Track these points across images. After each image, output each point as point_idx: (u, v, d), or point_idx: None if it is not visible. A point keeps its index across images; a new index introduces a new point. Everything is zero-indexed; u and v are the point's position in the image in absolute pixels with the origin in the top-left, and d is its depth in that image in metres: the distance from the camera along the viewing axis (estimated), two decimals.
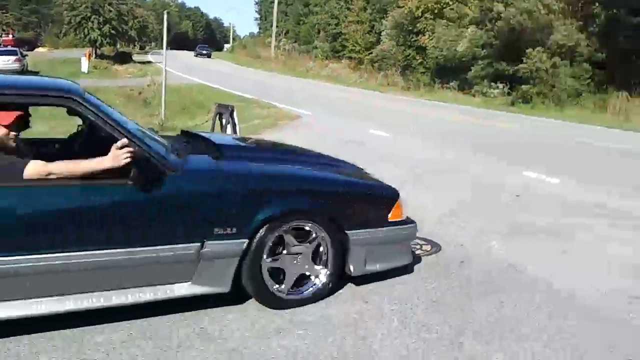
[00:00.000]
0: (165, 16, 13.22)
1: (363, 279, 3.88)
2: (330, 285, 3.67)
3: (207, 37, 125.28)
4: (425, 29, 29.97)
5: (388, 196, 3.94)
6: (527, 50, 20.34)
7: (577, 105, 19.28)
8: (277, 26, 60.63)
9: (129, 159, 2.95)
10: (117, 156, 2.94)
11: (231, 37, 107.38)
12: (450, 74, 26.75)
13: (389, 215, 3.86)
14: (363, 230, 3.72)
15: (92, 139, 3.51)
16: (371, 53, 39.24)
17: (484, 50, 23.89)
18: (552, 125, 15.75)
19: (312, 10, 57.63)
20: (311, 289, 3.64)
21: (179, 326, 3.28)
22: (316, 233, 3.58)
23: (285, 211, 3.46)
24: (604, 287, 4.06)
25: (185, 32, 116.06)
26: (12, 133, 3.09)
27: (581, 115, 17.93)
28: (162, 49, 13.26)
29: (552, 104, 19.53)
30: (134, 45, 75.55)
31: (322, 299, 3.66)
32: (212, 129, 8.59)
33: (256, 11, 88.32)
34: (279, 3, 61.24)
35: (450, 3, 28.92)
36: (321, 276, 3.65)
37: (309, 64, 45.54)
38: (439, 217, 5.71)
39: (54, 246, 2.95)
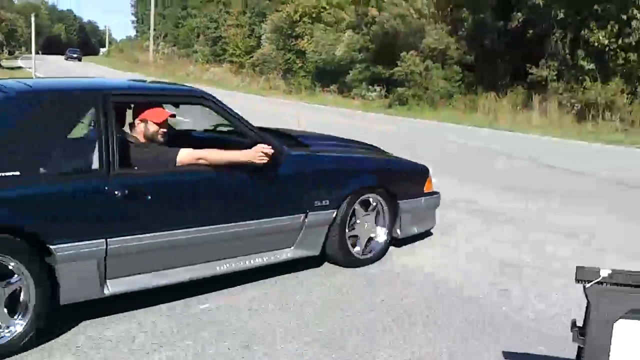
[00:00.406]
0: (32, 19, 12.45)
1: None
2: (387, 244, 4.66)
3: (82, 41, 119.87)
4: (304, 33, 30.27)
5: (423, 172, 5.02)
6: (402, 54, 21.05)
7: (449, 106, 20.19)
8: (154, 29, 58.99)
9: (265, 160, 3.69)
10: (256, 155, 3.68)
11: (107, 40, 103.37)
12: (330, 77, 27.17)
13: (424, 187, 4.94)
14: (409, 200, 4.75)
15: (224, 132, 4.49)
16: (252, 57, 39.10)
17: (361, 54, 24.48)
18: (427, 126, 16.37)
19: (190, 14, 56.60)
20: (377, 247, 4.59)
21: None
22: (377, 203, 4.54)
23: (360, 187, 4.40)
24: (479, 280, 4.21)
25: (58, 35, 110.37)
26: (162, 130, 3.74)
27: (454, 115, 18.79)
28: (32, 53, 12.44)
29: (427, 105, 20.33)
30: (2, 51, 71.00)
31: (383, 255, 4.64)
32: None
33: (132, 14, 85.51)
34: (155, 5, 59.62)
35: (327, 8, 29.39)
36: (381, 237, 4.60)
37: (189, 68, 44.71)
38: None
39: (200, 221, 3.60)
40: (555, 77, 17.80)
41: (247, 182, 3.80)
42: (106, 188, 3.21)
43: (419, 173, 5.00)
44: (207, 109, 3.89)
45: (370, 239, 4.57)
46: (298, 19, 30.81)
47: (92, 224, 3.20)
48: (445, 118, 18.25)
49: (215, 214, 3.68)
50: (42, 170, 3.09)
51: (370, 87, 23.39)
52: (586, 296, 2.26)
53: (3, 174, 2.93)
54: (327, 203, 4.18)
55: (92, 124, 3.36)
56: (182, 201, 3.56)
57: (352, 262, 4.42)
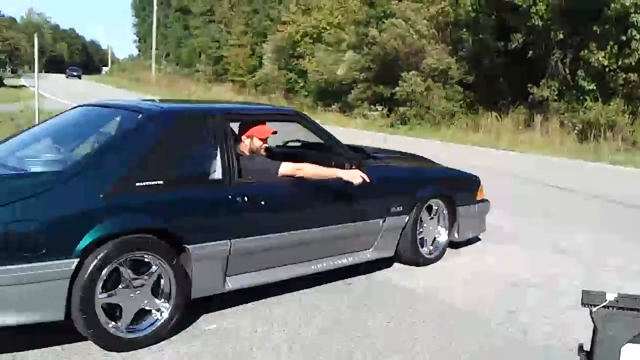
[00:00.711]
0: (36, 39, 12.51)
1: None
2: (447, 243, 5.32)
3: (85, 60, 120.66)
4: (305, 53, 30.45)
5: (476, 181, 5.64)
6: (403, 74, 21.17)
7: (452, 126, 20.25)
8: (157, 49, 59.40)
9: (360, 182, 4.19)
10: (354, 177, 4.21)
11: (109, 59, 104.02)
12: (332, 97, 27.29)
13: (477, 195, 5.56)
14: (465, 206, 5.36)
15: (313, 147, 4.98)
16: (254, 76, 39.33)
17: (363, 74, 24.59)
18: (430, 145, 16.40)
19: (192, 33, 57.03)
20: (439, 249, 5.25)
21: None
22: (439, 209, 5.19)
23: (427, 194, 5.02)
24: (482, 300, 4.23)
25: (61, 54, 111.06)
26: (264, 145, 4.31)
27: (456, 135, 18.86)
28: (35, 72, 12.50)
29: (428, 125, 20.41)
30: (5, 69, 71.40)
31: (442, 256, 5.26)
32: None
33: (134, 33, 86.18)
34: (157, 26, 60.08)
35: (328, 28, 29.60)
36: (443, 239, 5.28)
37: (191, 87, 44.92)
38: None
39: (301, 225, 4.14)
40: (556, 97, 17.89)
41: (338, 192, 4.35)
42: (229, 196, 3.74)
43: (473, 182, 5.64)
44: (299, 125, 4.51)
45: (433, 241, 5.22)
46: (299, 39, 31.03)
47: (218, 227, 3.71)
48: (446, 137, 18.31)
49: (313, 219, 4.23)
50: (179, 180, 3.64)
51: (372, 106, 23.47)
52: (593, 320, 2.27)
53: (150, 183, 3.44)
54: (401, 209, 4.79)
55: (213, 141, 3.81)
56: (287, 207, 4.14)
57: (420, 261, 5.05)
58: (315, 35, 30.31)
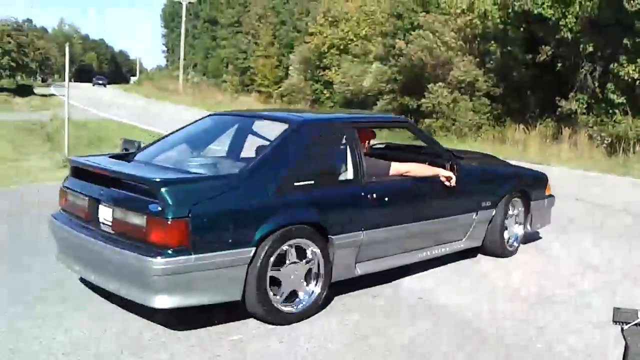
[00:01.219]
0: (67, 48, 12.75)
1: None
2: (523, 235, 6.04)
3: (113, 70, 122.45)
4: (332, 64, 30.57)
5: (544, 178, 6.35)
6: (429, 86, 21.13)
7: (478, 138, 20.13)
8: (184, 59, 60.10)
9: (454, 182, 5.01)
10: (452, 177, 5.00)
11: (137, 69, 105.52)
12: (358, 108, 27.30)
13: (546, 191, 6.27)
14: (538, 201, 6.07)
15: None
16: (280, 87, 39.58)
17: (389, 85, 24.59)
18: None
19: (219, 44, 57.67)
20: (518, 240, 5.97)
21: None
22: (517, 203, 5.90)
23: (510, 190, 5.73)
24: (510, 316, 4.19)
25: (90, 64, 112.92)
26: (366, 147, 5.11)
27: (483, 147, 18.69)
28: (66, 81, 12.72)
29: (455, 137, 20.30)
30: (36, 78, 72.82)
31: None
32: None
33: (163, 44, 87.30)
34: (186, 37, 60.84)
35: (355, 40, 29.68)
36: (520, 232, 6.00)
37: (218, 97, 45.33)
38: None
39: (414, 217, 4.84)
40: (584, 111, 17.70)
41: (441, 189, 5.01)
42: (362, 194, 4.43)
43: (543, 178, 6.34)
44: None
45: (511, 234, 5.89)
46: (326, 50, 31.17)
47: (355, 220, 4.36)
48: (473, 149, 18.15)
49: (423, 213, 4.93)
50: (323, 180, 4.29)
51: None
52: (624, 338, 2.25)
53: (304, 183, 4.11)
54: (489, 204, 5.49)
55: (346, 145, 4.51)
56: (404, 203, 4.79)
57: (504, 252, 5.77)
58: (341, 47, 30.42)
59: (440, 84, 20.99)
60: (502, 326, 4.08)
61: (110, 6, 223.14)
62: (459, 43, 21.66)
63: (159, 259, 3.50)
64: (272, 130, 4.54)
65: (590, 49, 17.11)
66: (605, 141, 16.61)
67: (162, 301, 3.58)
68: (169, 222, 3.54)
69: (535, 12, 17.65)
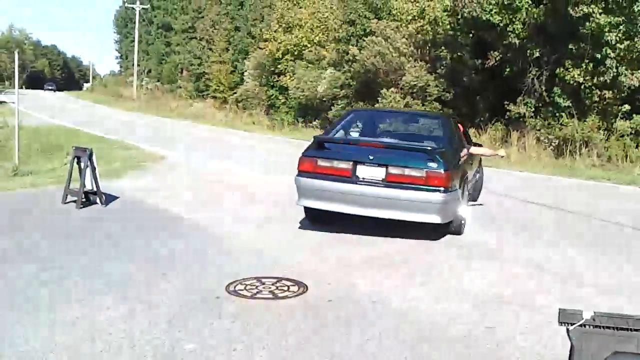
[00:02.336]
0: (16, 55, 12.49)
1: None
2: None
3: (66, 76, 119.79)
4: (286, 70, 30.60)
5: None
6: (382, 91, 21.38)
7: None
8: (138, 65, 59.26)
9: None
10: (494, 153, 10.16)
11: (91, 75, 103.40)
12: (313, 113, 27.42)
13: None
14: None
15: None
16: (235, 92, 39.38)
17: (343, 91, 24.78)
18: None
19: (174, 50, 57.02)
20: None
21: None
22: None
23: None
24: (460, 317, 4.30)
25: (42, 70, 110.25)
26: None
27: None
28: (16, 88, 12.46)
29: None
30: None
31: None
32: (70, 174, 8.29)
33: (116, 50, 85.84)
34: (139, 42, 59.98)
35: (309, 46, 29.79)
36: None
37: (173, 103, 44.84)
38: (305, 252, 5.79)
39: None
40: (532, 114, 18.17)
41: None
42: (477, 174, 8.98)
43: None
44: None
45: None
46: (280, 56, 31.16)
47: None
48: None
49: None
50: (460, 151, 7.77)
51: None
52: (570, 339, 2.30)
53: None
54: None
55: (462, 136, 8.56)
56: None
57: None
58: (296, 53, 30.46)
59: (392, 89, 21.27)
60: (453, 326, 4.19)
61: (62, 10, 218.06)
62: (410, 49, 21.98)
63: (439, 195, 6.43)
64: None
65: (537, 54, 17.59)
66: (553, 143, 17.08)
67: (439, 219, 6.50)
68: (442, 174, 6.46)
69: (484, 18, 18.04)
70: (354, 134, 8.12)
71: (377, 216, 6.55)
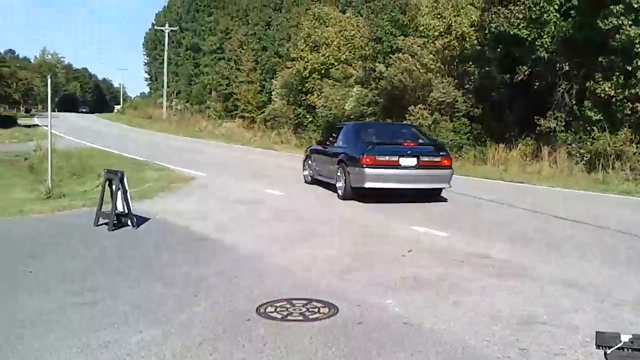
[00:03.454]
0: (49, 80, 12.77)
1: None
2: None
3: (97, 98, 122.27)
4: (314, 89, 30.78)
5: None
6: (410, 107, 21.36)
7: (460, 158, 20.32)
8: (168, 86, 60.19)
9: None
10: None
11: (121, 97, 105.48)
12: None
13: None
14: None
15: None
16: (263, 112, 39.72)
17: (370, 108, 24.84)
18: None
19: (202, 71, 57.86)
20: None
21: None
22: None
23: None
24: (493, 338, 4.22)
25: (74, 93, 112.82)
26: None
27: (464, 167, 18.88)
28: (49, 112, 12.74)
29: None
30: (19, 109, 72.56)
31: None
32: (102, 196, 8.42)
33: (146, 71, 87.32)
34: (168, 64, 60.98)
35: (336, 64, 29.94)
36: None
37: (202, 123, 45.39)
38: (337, 271, 5.77)
39: None
40: (563, 128, 17.95)
41: None
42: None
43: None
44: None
45: None
46: (307, 75, 31.39)
47: None
48: (455, 170, 18.31)
49: None
50: None
51: None
52: None
53: None
54: None
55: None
56: None
57: None
58: (323, 71, 30.66)
59: (420, 105, 21.24)
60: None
61: (93, 35, 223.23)
62: (437, 65, 21.96)
63: (449, 170, 11.31)
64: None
65: (567, 67, 17.43)
66: (585, 158, 16.83)
67: (448, 185, 11.34)
68: (449, 158, 11.48)
69: (512, 32, 17.96)
70: (367, 138, 12.24)
71: (414, 187, 11.23)
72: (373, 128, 14.57)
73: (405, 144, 11.46)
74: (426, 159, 11.04)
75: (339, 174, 11.71)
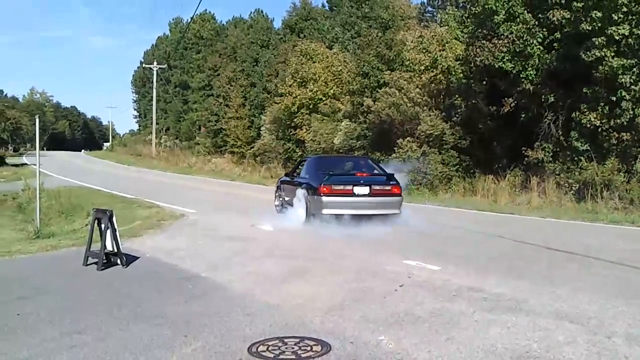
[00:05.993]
0: (37, 120, 12.77)
1: None
2: None
3: (86, 136, 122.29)
4: (302, 123, 30.99)
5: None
6: (398, 141, 21.50)
7: (449, 190, 20.42)
8: (157, 123, 60.35)
9: None
10: None
11: (110, 135, 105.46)
12: None
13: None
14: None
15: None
16: (253, 147, 39.86)
17: (359, 142, 25.00)
18: (427, 210, 16.47)
19: (191, 107, 58.17)
20: None
21: None
22: None
23: None
24: None
25: (62, 132, 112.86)
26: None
27: (454, 199, 18.98)
28: (37, 151, 12.71)
29: (426, 190, 20.55)
30: (7, 148, 72.49)
31: None
32: (91, 236, 8.35)
33: (135, 109, 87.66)
34: (157, 101, 61.23)
35: (324, 99, 30.21)
36: None
37: (191, 159, 45.47)
38: (329, 308, 5.72)
39: None
40: (551, 159, 18.11)
41: None
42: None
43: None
44: None
45: None
46: (296, 110, 31.63)
47: None
48: (445, 202, 18.40)
49: None
50: None
51: None
52: None
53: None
54: None
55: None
56: None
57: None
58: (311, 106, 30.92)
59: (409, 138, 21.40)
60: None
61: (81, 74, 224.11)
62: (424, 98, 22.21)
63: (399, 198, 12.21)
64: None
65: (552, 99, 17.67)
66: (573, 188, 16.94)
67: (398, 211, 12.18)
68: (397, 186, 12.28)
69: (496, 66, 18.22)
70: (326, 169, 12.92)
71: (367, 214, 11.80)
72: (332, 160, 16.02)
73: (359, 174, 12.67)
74: (378, 187, 12.03)
75: (301, 201, 12.69)
